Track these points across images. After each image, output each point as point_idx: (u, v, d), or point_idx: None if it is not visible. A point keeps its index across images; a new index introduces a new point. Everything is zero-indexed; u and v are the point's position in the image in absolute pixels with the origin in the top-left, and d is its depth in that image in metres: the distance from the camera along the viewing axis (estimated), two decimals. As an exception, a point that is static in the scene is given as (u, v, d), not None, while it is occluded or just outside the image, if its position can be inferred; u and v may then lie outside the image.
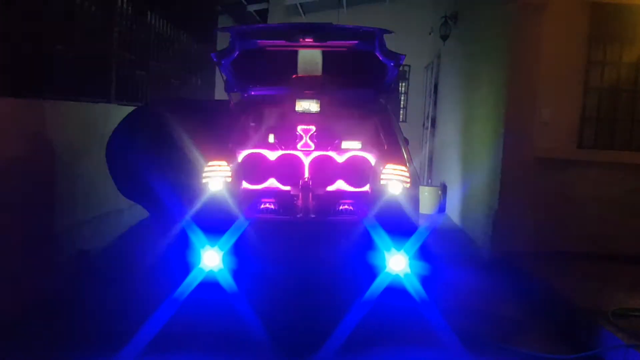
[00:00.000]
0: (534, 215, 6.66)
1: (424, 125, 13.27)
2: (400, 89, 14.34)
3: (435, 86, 12.31)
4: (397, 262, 4.54)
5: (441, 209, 10.26)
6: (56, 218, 5.21)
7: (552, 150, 6.71)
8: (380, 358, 4.16)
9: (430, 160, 12.51)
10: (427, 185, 11.28)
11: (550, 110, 6.67)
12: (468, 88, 9.21)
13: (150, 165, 5.32)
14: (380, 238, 4.55)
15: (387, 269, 4.54)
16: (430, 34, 12.71)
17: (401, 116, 14.27)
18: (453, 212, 9.65)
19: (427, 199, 10.10)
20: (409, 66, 13.96)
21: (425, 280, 4.63)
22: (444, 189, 10.46)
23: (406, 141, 5.56)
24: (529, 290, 5.73)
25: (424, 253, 4.68)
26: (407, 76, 14.19)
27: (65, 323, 4.62)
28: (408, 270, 4.56)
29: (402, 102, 14.41)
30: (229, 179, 4.85)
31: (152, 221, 6.37)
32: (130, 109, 6.31)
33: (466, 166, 8.95)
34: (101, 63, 6.51)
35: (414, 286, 4.54)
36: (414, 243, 4.60)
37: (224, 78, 5.51)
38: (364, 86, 5.49)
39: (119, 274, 5.60)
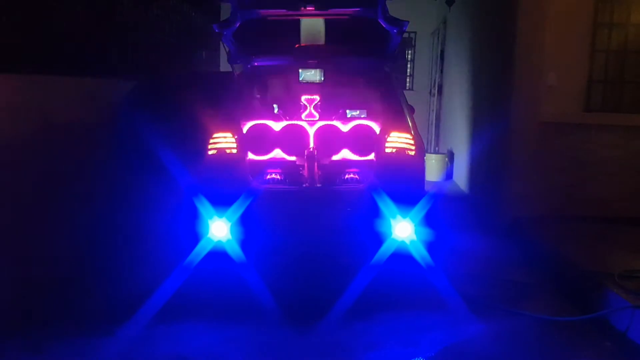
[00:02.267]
0: (541, 180, 6.65)
1: (430, 92, 13.18)
2: (406, 56, 14.18)
3: (442, 53, 12.18)
4: (403, 229, 4.58)
5: (448, 176, 10.27)
6: (63, 192, 5.25)
7: (559, 114, 6.66)
8: (386, 323, 4.21)
9: (437, 127, 12.46)
10: (434, 152, 11.26)
11: (556, 74, 6.61)
12: (474, 54, 9.12)
13: (155, 137, 5.34)
14: (386, 205, 4.58)
15: (393, 236, 4.59)
16: (435, -1, 12.55)
17: (407, 84, 14.13)
18: (460, 178, 9.65)
19: (434, 166, 10.12)
20: (415, 33, 13.76)
21: (431, 247, 4.68)
22: (451, 156, 10.45)
23: (411, 109, 5.54)
24: (536, 254, 5.76)
25: (431, 220, 4.72)
26: (412, 43, 14.00)
27: (77, 293, 4.71)
28: (414, 237, 4.61)
29: (408, 70, 14.26)
30: (235, 150, 4.87)
31: (161, 193, 6.41)
32: (134, 82, 6.31)
33: (473, 133, 8.92)
34: (104, 37, 6.49)
35: (420, 252, 4.59)
36: (420, 210, 4.63)
37: (227, 49, 5.49)
38: (368, 54, 5.45)
39: (127, 245, 5.67)
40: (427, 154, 10.14)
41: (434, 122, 12.61)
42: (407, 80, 14.20)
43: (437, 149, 12.13)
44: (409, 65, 14.24)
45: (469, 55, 9.50)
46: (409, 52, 14.15)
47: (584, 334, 4.17)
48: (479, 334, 4.14)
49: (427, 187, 5.14)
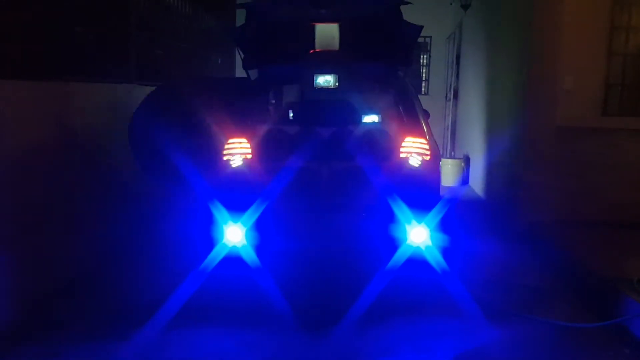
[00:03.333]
0: (558, 184, 6.59)
1: (446, 97, 13.14)
2: (421, 60, 14.16)
3: (457, 57, 12.14)
4: (418, 235, 4.57)
5: (464, 180, 10.21)
6: (80, 198, 5.30)
7: (576, 118, 6.60)
8: (400, 329, 4.20)
9: (453, 132, 12.41)
10: (450, 157, 11.21)
11: (573, 78, 6.56)
12: (490, 58, 9.08)
13: (172, 143, 5.37)
14: (401, 211, 4.56)
15: (408, 242, 4.57)
16: (451, 3, 12.51)
17: (423, 89, 14.11)
18: (476, 183, 9.60)
19: (450, 171, 10.08)
20: (430, 37, 13.74)
21: (447, 252, 4.65)
22: (467, 161, 10.39)
23: (426, 114, 5.52)
24: (553, 260, 5.71)
25: (446, 225, 4.70)
26: (428, 48, 13.98)
27: (93, 298, 4.76)
28: (429, 242, 4.58)
29: (423, 75, 14.24)
30: (250, 156, 4.89)
31: (176, 199, 6.45)
32: (151, 88, 6.35)
33: (489, 137, 8.87)
34: (120, 43, 6.55)
35: (435, 258, 4.57)
36: (435, 215, 4.61)
37: (242, 55, 5.51)
38: (382, 59, 5.44)
39: (143, 250, 5.71)
40: (443, 159, 10.10)
41: (449, 126, 12.56)
42: (423, 85, 14.17)
43: (453, 153, 12.07)
44: (424, 70, 14.21)
45: (484, 59, 9.46)
46: (425, 56, 14.13)
47: (601, 341, 4.11)
48: (494, 340, 4.10)
49: (443, 192, 5.12)
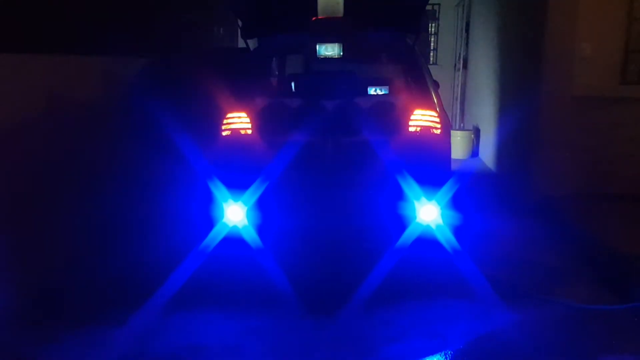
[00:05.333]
0: (574, 156, 6.37)
1: (455, 66, 12.82)
2: (430, 29, 13.80)
3: (467, 25, 11.81)
4: (428, 212, 4.38)
5: (474, 153, 9.99)
6: (81, 172, 5.15)
7: (593, 87, 6.34)
8: (410, 313, 4.01)
9: (463, 103, 12.14)
10: (460, 129, 10.97)
11: (591, 45, 6.28)
12: (502, 25, 8.76)
13: (169, 117, 5.17)
14: (410, 187, 4.36)
15: (417, 220, 4.38)
16: (460, -31, 12.14)
17: (431, 58, 13.77)
18: (486, 156, 9.37)
19: (460, 143, 9.84)
20: (439, 5, 13.37)
21: (458, 230, 4.46)
22: (476, 132, 10.15)
23: (436, 84, 5.27)
24: (570, 236, 5.48)
25: (457, 201, 4.50)
26: (437, 15, 13.60)
27: (89, 278, 4.58)
28: (440, 220, 4.40)
29: (432, 44, 13.89)
30: (250, 131, 4.66)
31: (175, 175, 6.26)
32: (149, 60, 6.15)
33: (500, 108, 8.60)
34: (119, 15, 6.33)
35: (446, 237, 4.38)
36: (446, 192, 4.41)
37: (240, 24, 5.25)
38: (389, 27, 5.17)
39: (140, 229, 5.53)
40: (452, 131, 9.85)
41: (459, 97, 12.29)
42: (431, 54, 13.84)
43: (462, 125, 11.82)
44: (432, 39, 13.86)
45: (496, 27, 9.14)
46: (433, 24, 13.76)
47: (623, 323, 3.90)
48: (508, 323, 3.91)
49: (453, 166, 4.89)
